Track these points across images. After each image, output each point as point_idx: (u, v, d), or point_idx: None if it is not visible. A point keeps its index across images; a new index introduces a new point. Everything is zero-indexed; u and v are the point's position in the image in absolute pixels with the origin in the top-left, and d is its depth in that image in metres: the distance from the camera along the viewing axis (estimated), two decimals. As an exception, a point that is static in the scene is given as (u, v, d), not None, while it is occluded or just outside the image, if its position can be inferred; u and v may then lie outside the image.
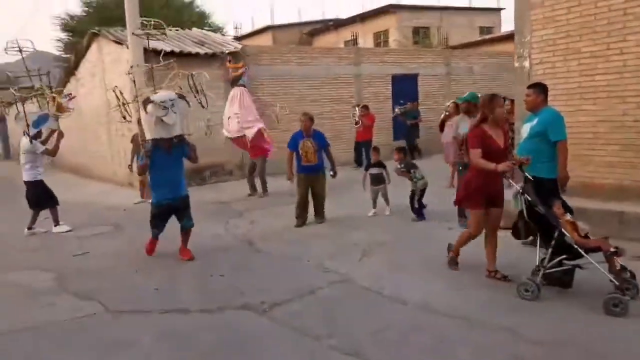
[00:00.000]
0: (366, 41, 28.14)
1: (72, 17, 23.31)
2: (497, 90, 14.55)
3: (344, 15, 32.03)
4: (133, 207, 9.67)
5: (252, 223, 7.76)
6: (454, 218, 6.83)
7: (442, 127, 10.37)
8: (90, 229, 7.96)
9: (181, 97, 5.85)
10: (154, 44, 8.78)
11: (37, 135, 7.92)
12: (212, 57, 11.59)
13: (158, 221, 6.03)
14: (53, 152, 8.14)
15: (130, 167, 10.60)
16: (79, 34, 20.55)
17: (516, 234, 4.75)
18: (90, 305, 4.66)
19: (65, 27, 23.47)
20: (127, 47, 10.51)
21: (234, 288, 4.92)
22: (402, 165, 7.45)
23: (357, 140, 13.24)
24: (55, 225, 8.00)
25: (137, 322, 4.30)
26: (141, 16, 9.63)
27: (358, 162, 13.13)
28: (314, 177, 7.40)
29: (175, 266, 5.77)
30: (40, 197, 7.92)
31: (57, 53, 25.20)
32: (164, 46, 11.00)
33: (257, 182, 10.15)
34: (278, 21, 34.86)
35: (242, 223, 7.82)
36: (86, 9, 23.21)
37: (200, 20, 24.01)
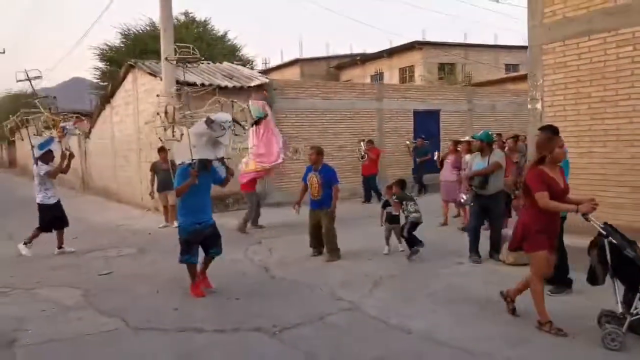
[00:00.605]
0: (392, 76, 28.67)
1: (110, 47, 24.44)
2: (518, 128, 14.78)
3: (371, 50, 32.64)
4: (158, 231, 10.08)
5: (270, 250, 8.03)
6: (464, 253, 6.98)
7: (442, 164, 10.31)
8: (116, 250, 8.35)
9: (235, 120, 6.12)
10: (186, 76, 9.35)
11: (46, 157, 7.91)
12: (240, 90, 12.12)
13: (191, 246, 5.71)
14: (53, 175, 8.01)
15: (151, 194, 10.62)
16: (116, 64, 21.58)
17: (593, 280, 4.32)
18: (113, 321, 4.97)
19: (103, 57, 24.62)
20: (161, 79, 11.13)
21: (248, 311, 5.18)
22: (395, 197, 7.48)
23: (364, 174, 13.40)
24: (25, 243, 8.01)
25: (155, 338, 4.57)
26: (175, 49, 10.25)
27: (366, 197, 13.24)
28: (318, 212, 7.30)
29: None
30: (58, 217, 8.08)
31: (95, 81, 26.46)
32: (195, 78, 11.63)
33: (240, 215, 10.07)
34: (306, 54, 35.75)
35: (261, 250, 8.11)
36: (124, 40, 24.37)
37: (232, 53, 24.89)
